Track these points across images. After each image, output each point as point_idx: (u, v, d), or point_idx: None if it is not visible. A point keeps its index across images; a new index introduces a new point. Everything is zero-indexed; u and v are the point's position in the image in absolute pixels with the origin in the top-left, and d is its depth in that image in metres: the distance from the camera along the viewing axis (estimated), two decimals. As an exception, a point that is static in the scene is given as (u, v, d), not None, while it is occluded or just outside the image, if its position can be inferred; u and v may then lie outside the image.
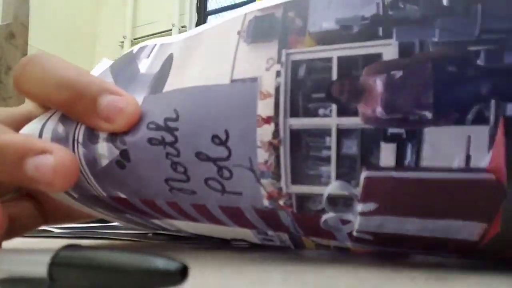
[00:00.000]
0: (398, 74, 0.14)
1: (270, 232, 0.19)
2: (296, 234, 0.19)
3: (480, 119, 0.14)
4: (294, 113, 0.16)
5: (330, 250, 0.20)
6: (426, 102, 0.14)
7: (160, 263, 0.09)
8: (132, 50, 0.22)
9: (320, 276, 0.16)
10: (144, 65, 0.21)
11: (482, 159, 0.14)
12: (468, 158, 0.14)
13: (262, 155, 0.16)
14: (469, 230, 0.15)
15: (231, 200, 0.17)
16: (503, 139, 0.13)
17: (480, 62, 0.14)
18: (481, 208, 0.15)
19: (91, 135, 0.19)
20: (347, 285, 0.14)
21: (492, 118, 0.13)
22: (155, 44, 0.22)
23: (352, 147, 0.15)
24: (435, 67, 0.14)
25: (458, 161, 0.14)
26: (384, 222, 0.16)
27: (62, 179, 0.17)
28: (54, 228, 0.31)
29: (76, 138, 0.19)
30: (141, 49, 0.22)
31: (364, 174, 0.15)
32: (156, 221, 0.22)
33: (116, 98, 0.18)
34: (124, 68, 0.21)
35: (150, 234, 0.31)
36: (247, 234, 0.20)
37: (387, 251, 0.19)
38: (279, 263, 0.19)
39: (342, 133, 0.15)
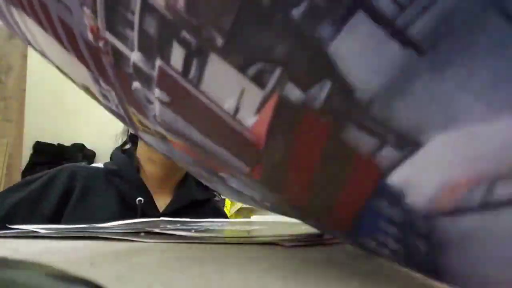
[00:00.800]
0: None
1: (103, 83, 0.18)
2: (122, 98, 0.18)
3: (259, 80, 0.12)
4: None
5: (160, 140, 0.20)
6: (224, 25, 0.12)
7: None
8: None
9: (320, 276, 0.15)
10: None
11: (248, 118, 0.13)
12: (237, 109, 0.13)
13: None
14: (238, 165, 0.16)
15: (65, 15, 0.16)
16: (270, 114, 0.13)
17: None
18: (241, 154, 0.15)
19: None
20: (347, 285, 0.14)
21: (270, 86, 0.12)
22: None
23: (152, 27, 0.13)
24: None
25: (228, 106, 0.13)
26: (176, 120, 0.16)
27: None
28: (40, 229, 0.30)
29: None
30: None
31: (158, 62, 0.14)
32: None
33: None
34: None
35: (142, 234, 0.30)
36: (86, 78, 0.19)
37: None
38: (279, 263, 0.19)
39: (146, 6, 0.13)
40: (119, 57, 0.16)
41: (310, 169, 0.14)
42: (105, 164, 0.71)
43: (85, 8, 0.15)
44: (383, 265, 0.18)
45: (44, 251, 0.23)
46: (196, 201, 0.73)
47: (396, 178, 0.12)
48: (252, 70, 0.12)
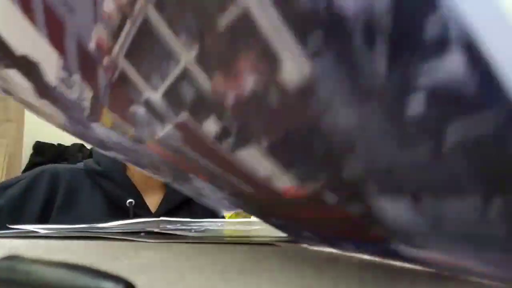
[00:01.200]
0: None
1: (76, 77, 0.15)
2: (102, 101, 0.16)
3: (301, 178, 0.12)
4: None
5: (131, 140, 0.18)
6: (271, 135, 0.11)
7: (104, 284, 0.07)
8: None
9: (320, 276, 0.15)
10: None
11: (281, 185, 0.13)
12: (270, 177, 0.13)
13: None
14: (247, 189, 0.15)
15: (61, 8, 0.13)
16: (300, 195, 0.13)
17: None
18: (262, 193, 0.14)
19: None
20: (347, 285, 0.14)
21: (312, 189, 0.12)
22: None
23: (188, 94, 0.12)
24: None
25: (261, 174, 0.13)
26: (183, 147, 0.15)
27: None
28: (40, 229, 0.30)
29: None
30: None
31: (185, 115, 0.13)
32: None
33: None
34: None
35: (142, 234, 0.30)
36: (48, 59, 0.15)
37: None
38: (280, 263, 0.19)
39: (186, 75, 0.12)
40: (127, 85, 0.13)
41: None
42: (85, 163, 0.67)
43: (98, 23, 0.12)
44: (382, 265, 0.18)
45: (44, 251, 0.23)
46: (187, 199, 0.71)
47: None
48: (293, 171, 0.12)
